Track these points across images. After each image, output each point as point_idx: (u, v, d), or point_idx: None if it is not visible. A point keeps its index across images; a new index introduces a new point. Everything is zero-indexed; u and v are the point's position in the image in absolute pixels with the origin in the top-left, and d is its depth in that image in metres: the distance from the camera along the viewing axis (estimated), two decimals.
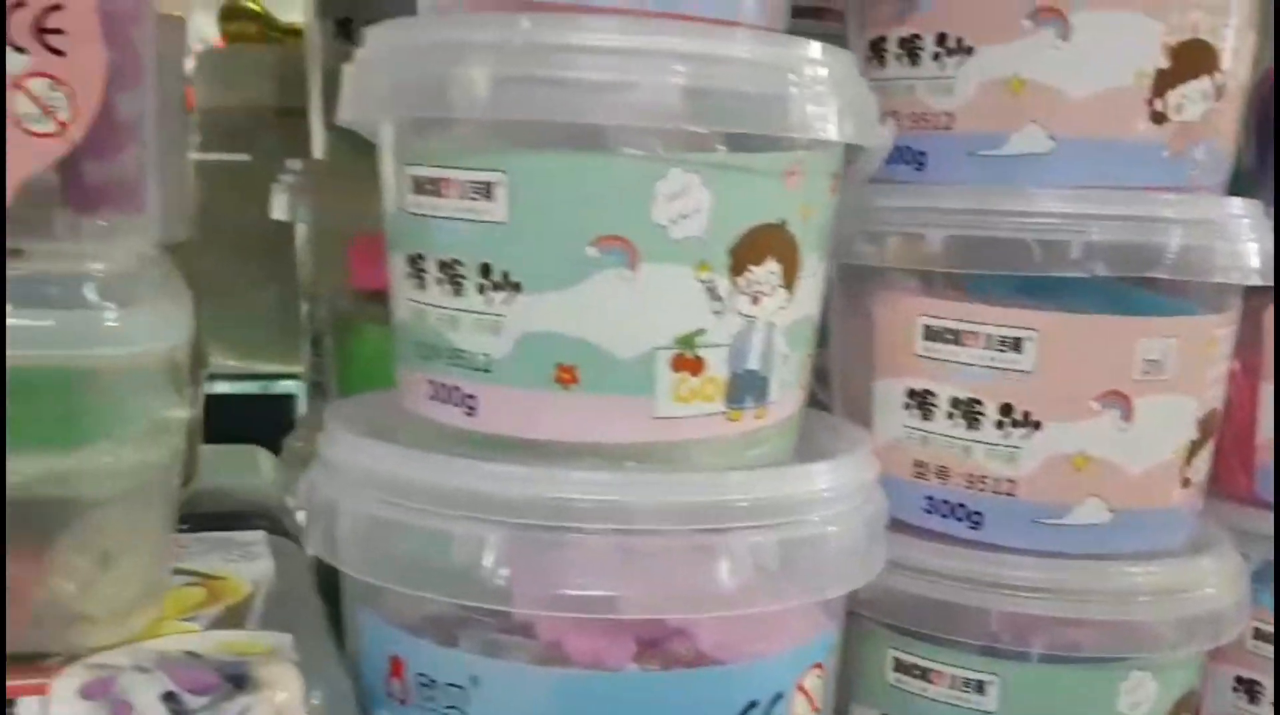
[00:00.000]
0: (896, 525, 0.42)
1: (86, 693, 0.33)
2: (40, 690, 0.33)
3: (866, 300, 0.44)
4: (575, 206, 0.34)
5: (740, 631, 0.37)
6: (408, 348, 0.38)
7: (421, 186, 0.36)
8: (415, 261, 0.37)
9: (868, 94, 0.38)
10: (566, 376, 0.35)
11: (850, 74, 0.37)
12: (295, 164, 0.59)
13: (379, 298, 0.59)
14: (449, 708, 0.36)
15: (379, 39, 0.38)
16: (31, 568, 0.34)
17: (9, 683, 0.33)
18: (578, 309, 0.34)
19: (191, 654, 0.35)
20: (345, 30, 0.56)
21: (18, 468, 0.32)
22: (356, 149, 0.58)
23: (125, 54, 0.33)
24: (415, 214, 0.36)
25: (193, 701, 0.34)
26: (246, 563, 0.44)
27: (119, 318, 0.34)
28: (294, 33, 0.77)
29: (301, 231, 0.58)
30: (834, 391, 0.47)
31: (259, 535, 0.48)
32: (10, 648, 0.34)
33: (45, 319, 0.32)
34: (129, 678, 0.34)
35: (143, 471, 0.35)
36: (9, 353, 0.32)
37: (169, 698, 0.34)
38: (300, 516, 0.41)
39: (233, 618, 0.39)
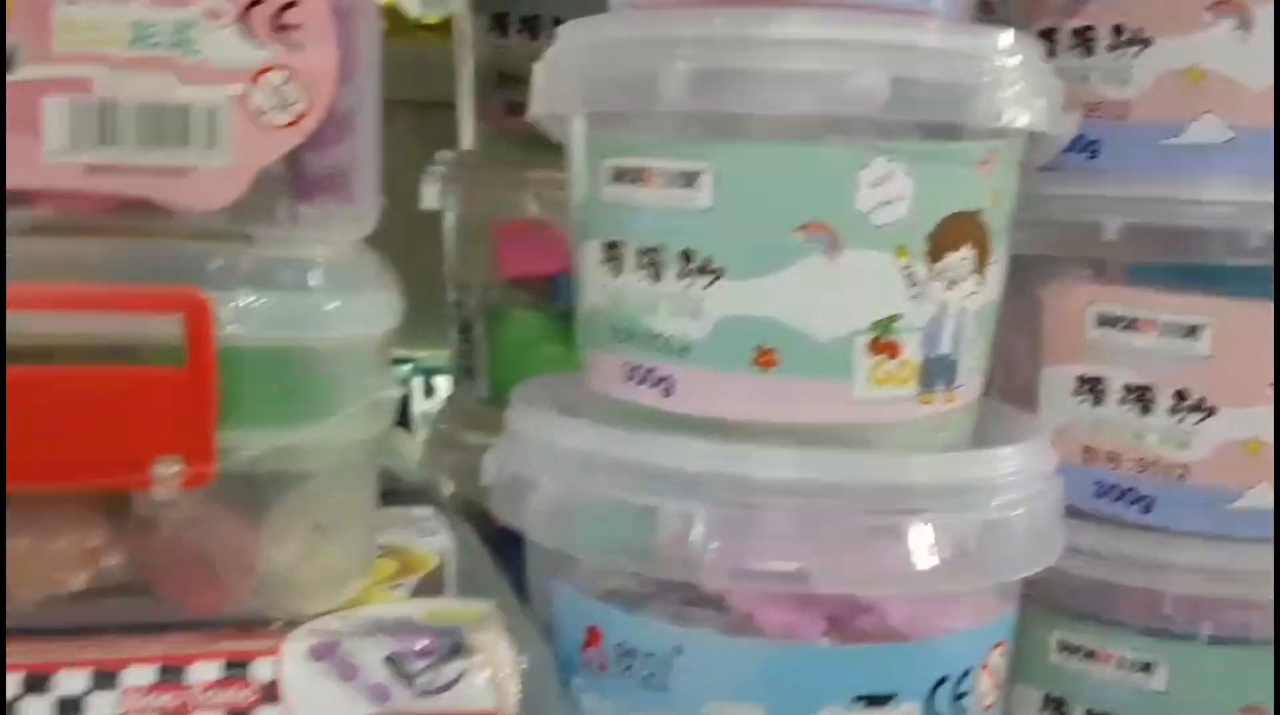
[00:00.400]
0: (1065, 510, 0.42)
1: (314, 655, 0.35)
2: (272, 652, 0.34)
3: (1034, 287, 0.45)
4: (780, 195, 0.35)
5: (929, 609, 0.38)
6: (600, 331, 0.39)
7: (621, 176, 0.37)
8: (611, 248, 0.38)
9: (1055, 82, 0.38)
10: (766, 359, 0.36)
11: (1039, 62, 0.38)
12: (445, 155, 0.60)
13: (526, 285, 0.62)
14: (649, 676, 0.37)
15: (573, 35, 0.39)
16: (253, 538, 0.36)
17: (243, 646, 0.35)
18: (780, 294, 0.35)
19: (405, 620, 0.37)
20: (500, 24, 0.57)
21: (248, 443, 0.34)
22: (506, 141, 0.60)
23: (349, 47, 0.35)
24: (612, 203, 0.38)
25: (414, 664, 0.36)
26: (426, 537, 0.46)
27: (340, 302, 0.36)
28: (423, 27, 0.79)
29: (450, 221, 0.60)
30: (994, 377, 0.48)
31: (429, 511, 0.49)
32: (232, 613, 0.36)
33: (274, 302, 0.35)
34: (352, 641, 0.35)
35: (357, 448, 0.37)
36: (239, 333, 0.34)
37: (391, 660, 0.35)
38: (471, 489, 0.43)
39: (430, 587, 0.41)
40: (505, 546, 0.44)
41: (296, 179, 0.35)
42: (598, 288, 0.39)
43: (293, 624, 0.36)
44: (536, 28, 0.56)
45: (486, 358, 0.59)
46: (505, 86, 0.57)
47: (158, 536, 0.35)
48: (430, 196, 0.60)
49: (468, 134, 0.61)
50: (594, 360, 0.40)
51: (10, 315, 0.31)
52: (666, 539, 0.36)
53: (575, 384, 0.43)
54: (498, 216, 0.58)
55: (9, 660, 0.32)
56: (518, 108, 0.61)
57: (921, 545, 0.36)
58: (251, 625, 0.36)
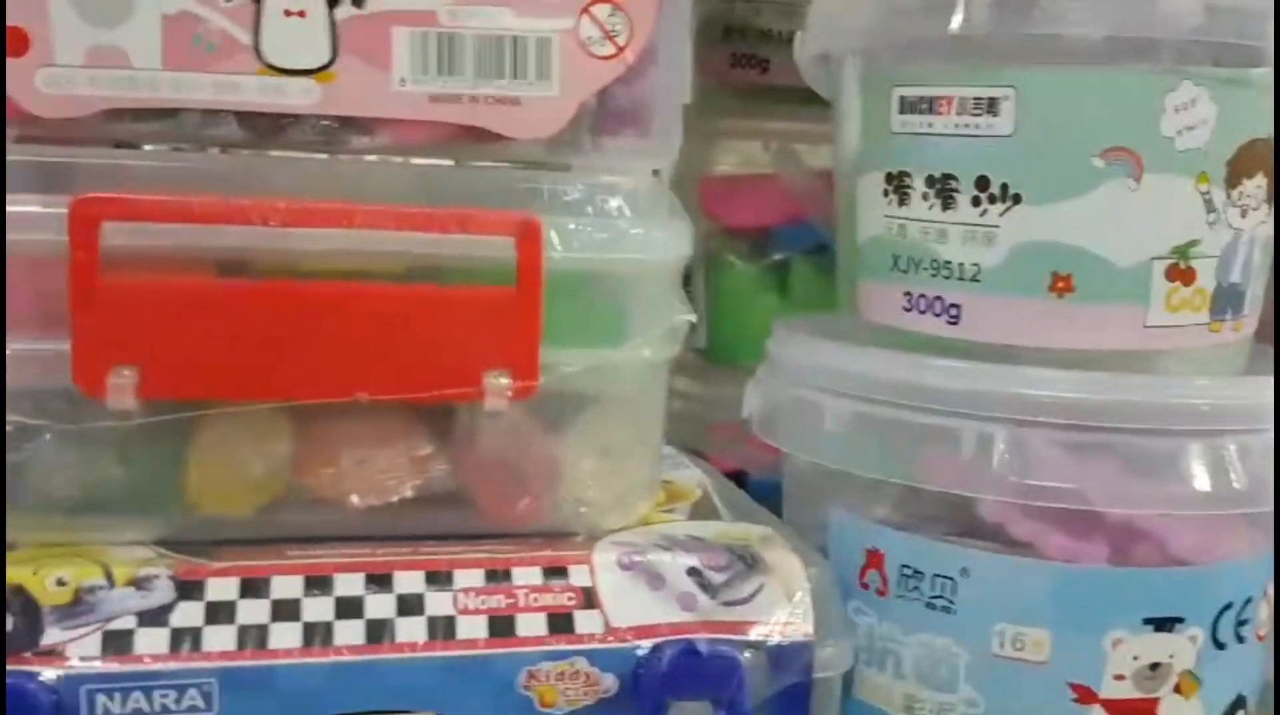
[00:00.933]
0: None
1: (622, 565, 0.37)
2: (585, 561, 0.36)
3: None
4: (1085, 120, 0.35)
5: (1207, 536, 0.38)
6: (880, 262, 0.40)
7: (911, 106, 0.38)
8: (897, 179, 0.39)
9: None
10: (1062, 285, 0.37)
11: None
12: None
13: (744, 236, 0.63)
14: (935, 597, 0.38)
15: None
16: (560, 453, 0.38)
17: (558, 554, 0.36)
18: (1079, 219, 0.36)
19: (697, 538, 0.39)
20: None
21: (564, 361, 0.36)
22: (727, 94, 0.62)
23: None
24: (901, 133, 0.39)
25: (714, 577, 0.37)
26: (680, 470, 0.48)
27: (643, 229, 0.37)
28: None
29: (668, 171, 0.61)
30: None
31: (669, 448, 0.51)
32: (537, 525, 0.38)
33: (588, 228, 0.36)
34: (655, 554, 0.37)
35: (653, 371, 0.39)
36: (560, 257, 0.35)
37: (694, 572, 0.37)
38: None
39: (703, 513, 0.42)
40: None
41: (603, 112, 0.37)
42: (878, 219, 0.40)
43: (591, 538, 0.38)
44: None
45: (704, 308, 0.60)
46: (730, 40, 0.58)
47: (477, 449, 0.37)
48: None
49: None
50: (870, 291, 0.41)
51: (359, 233, 0.34)
52: (957, 459, 0.37)
53: (829, 323, 0.45)
54: (719, 168, 0.59)
55: (352, 560, 0.35)
56: (742, 60, 0.63)
57: (1206, 468, 0.36)
58: (554, 537, 0.38)
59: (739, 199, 0.61)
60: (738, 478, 0.51)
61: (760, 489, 0.47)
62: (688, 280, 0.61)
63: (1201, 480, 0.36)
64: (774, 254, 0.59)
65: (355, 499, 0.36)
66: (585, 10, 0.35)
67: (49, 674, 0.30)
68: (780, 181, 0.58)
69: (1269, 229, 0.38)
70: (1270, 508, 0.38)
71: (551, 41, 0.34)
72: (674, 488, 0.45)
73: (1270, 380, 0.38)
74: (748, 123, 0.58)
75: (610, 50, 0.35)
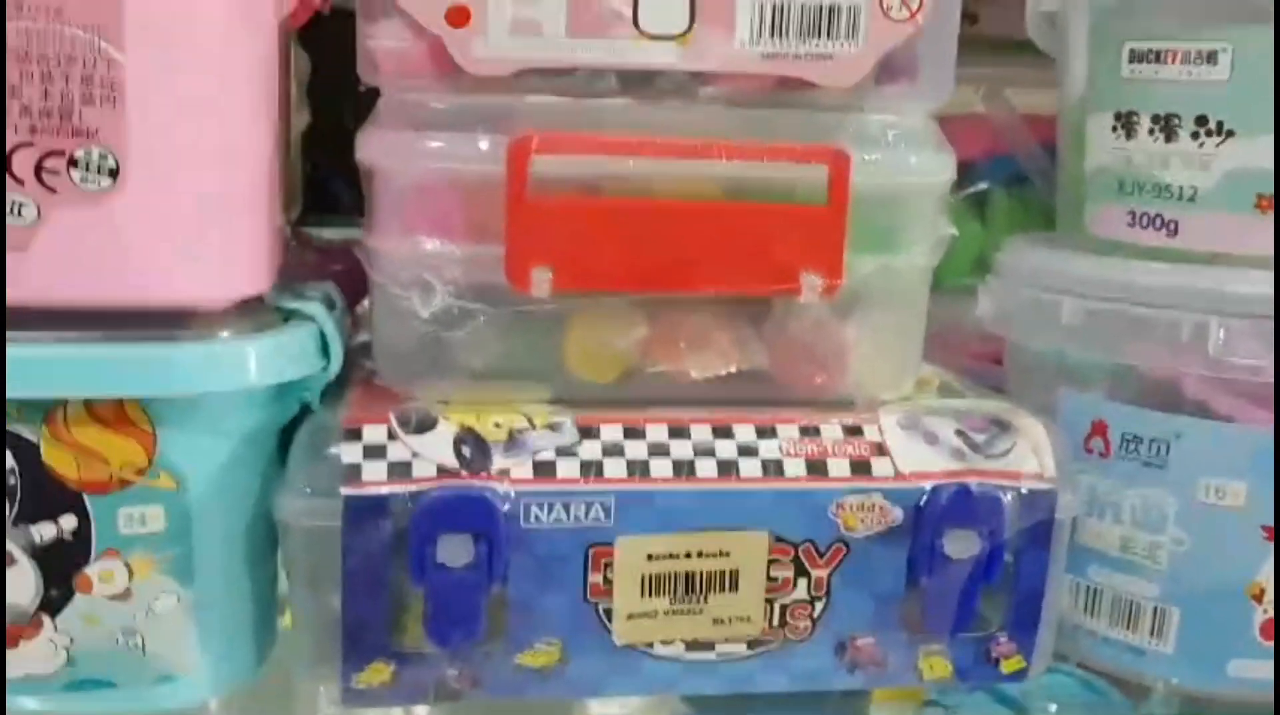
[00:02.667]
0: None
1: (903, 425, 0.46)
2: (874, 421, 0.46)
3: None
4: None
5: None
6: (1107, 186, 0.49)
7: (1140, 57, 0.46)
8: (1125, 117, 0.47)
9: None
10: (1265, 203, 0.45)
11: None
12: None
13: None
14: (1150, 458, 0.47)
15: None
16: (849, 338, 0.47)
17: (852, 417, 0.46)
18: None
19: (955, 407, 0.48)
20: None
21: (860, 265, 0.45)
22: None
23: None
24: (1130, 79, 0.47)
25: (976, 436, 0.46)
26: None
27: (918, 158, 0.46)
28: None
29: None
30: None
31: None
32: (827, 395, 0.47)
33: (880, 157, 0.45)
34: (928, 417, 0.46)
35: (923, 273, 0.48)
36: (858, 181, 0.44)
37: (961, 432, 0.46)
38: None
39: (950, 392, 0.51)
40: None
41: (888, 63, 0.46)
42: (1106, 151, 0.48)
43: (870, 406, 0.47)
44: None
45: None
46: None
47: (787, 335, 0.46)
48: None
49: None
50: (1096, 211, 0.50)
51: (707, 164, 0.43)
52: (1176, 344, 0.45)
53: (1053, 239, 0.53)
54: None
55: (699, 417, 0.44)
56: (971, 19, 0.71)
57: None
58: (841, 405, 0.48)
59: (946, 136, 0.69)
60: None
61: None
62: None
63: None
64: (976, 184, 0.67)
65: (693, 372, 0.46)
66: None
67: (500, 488, 0.41)
68: (983, 120, 0.66)
69: None
70: None
71: (860, 8, 0.43)
72: (919, 377, 0.54)
73: None
74: (960, 69, 0.66)
75: (905, 15, 0.44)
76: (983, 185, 0.67)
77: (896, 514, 0.44)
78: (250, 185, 0.41)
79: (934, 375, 0.54)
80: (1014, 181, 0.66)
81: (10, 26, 0.35)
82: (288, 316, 0.44)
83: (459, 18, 0.42)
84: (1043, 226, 0.61)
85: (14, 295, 0.37)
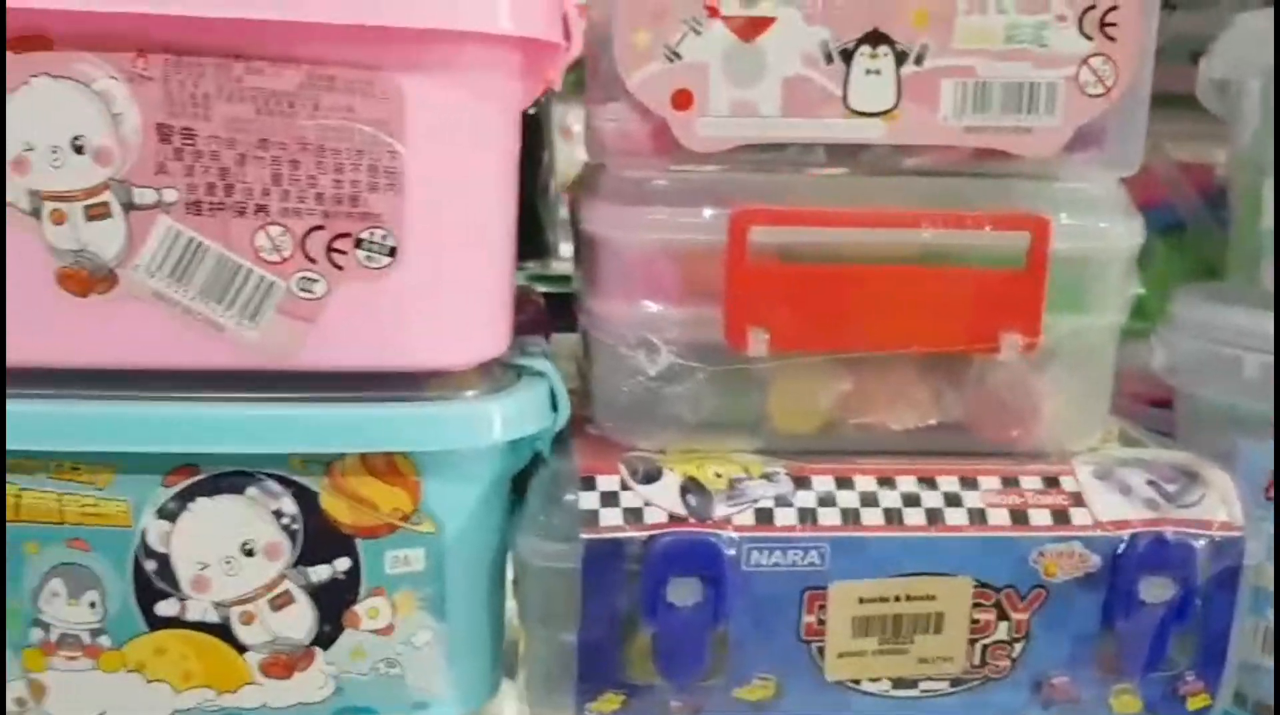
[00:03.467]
0: None
1: (1098, 475, 0.48)
2: (1070, 472, 0.48)
3: None
4: None
5: None
6: None
7: None
8: None
9: None
10: None
11: None
12: None
13: None
14: None
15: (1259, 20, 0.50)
16: (1042, 392, 0.49)
17: (1048, 467, 0.48)
18: None
19: (1142, 458, 0.50)
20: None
21: (1057, 324, 0.47)
22: None
23: (1143, 37, 0.47)
24: None
25: (1168, 486, 0.48)
26: None
27: (1110, 224, 0.48)
28: None
29: None
30: None
31: None
32: (1022, 447, 0.49)
33: (1074, 223, 0.47)
34: (1121, 468, 0.49)
35: (1113, 331, 0.50)
36: (1055, 246, 0.46)
37: (1152, 482, 0.48)
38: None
39: (1132, 441, 0.53)
40: None
41: (1082, 133, 0.48)
42: None
43: (1063, 457, 0.50)
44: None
45: None
46: None
47: (984, 389, 0.49)
48: None
49: None
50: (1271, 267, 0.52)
51: (901, 233, 0.46)
52: None
53: (1225, 291, 0.55)
54: None
55: (903, 467, 0.47)
56: None
57: None
58: (1033, 456, 0.50)
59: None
60: None
61: None
62: None
63: None
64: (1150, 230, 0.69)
65: (893, 425, 0.49)
66: (1084, 62, 0.46)
67: (725, 534, 0.44)
68: (1142, 171, 0.68)
69: None
70: None
71: (1058, 85, 0.46)
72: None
73: None
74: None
75: (1100, 91, 0.46)
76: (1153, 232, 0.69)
77: (1095, 561, 0.46)
78: (501, 254, 0.45)
79: (1113, 422, 0.56)
80: (1172, 230, 0.68)
81: (310, 123, 0.39)
82: (519, 372, 0.48)
83: (683, 101, 0.46)
84: (1200, 274, 0.63)
85: (304, 361, 0.41)
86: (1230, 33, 0.52)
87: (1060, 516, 0.47)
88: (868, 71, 0.46)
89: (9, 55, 0.37)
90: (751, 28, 0.46)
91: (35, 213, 0.39)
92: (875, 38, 0.46)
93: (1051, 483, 0.48)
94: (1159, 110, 0.66)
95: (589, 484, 0.45)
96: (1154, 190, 0.68)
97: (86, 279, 0.39)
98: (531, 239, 0.50)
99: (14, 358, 0.40)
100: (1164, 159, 0.67)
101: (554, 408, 0.47)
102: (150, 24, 0.38)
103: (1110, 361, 0.51)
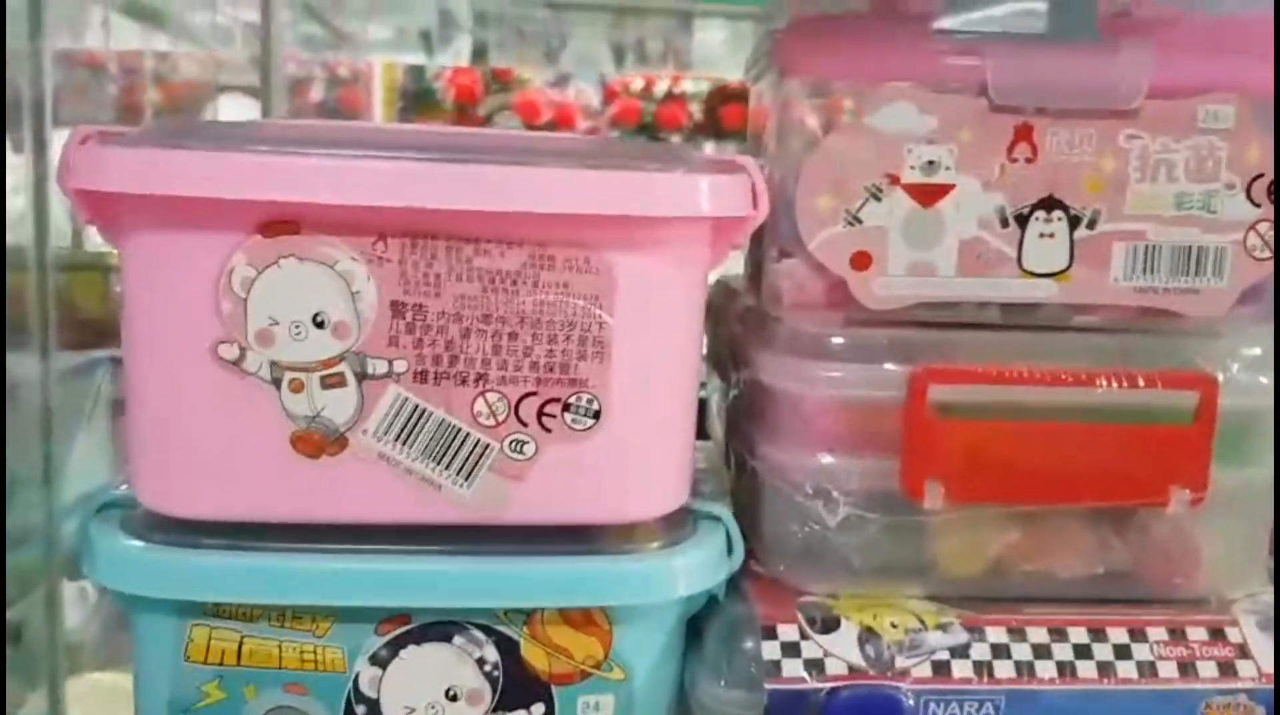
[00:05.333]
0: None
1: (1261, 626, 0.49)
2: (1235, 623, 0.49)
3: None
4: None
5: None
6: None
7: None
8: None
9: None
10: None
11: None
12: None
13: None
14: None
15: None
16: (1202, 544, 0.50)
17: (1213, 617, 0.49)
18: None
19: None
20: None
21: (1221, 478, 0.48)
22: None
23: None
24: None
25: None
26: None
27: (1269, 376, 0.49)
28: None
29: None
30: None
31: None
32: (1184, 594, 0.50)
33: (1231, 378, 0.48)
34: None
35: (1267, 484, 0.51)
36: (1224, 403, 0.47)
37: None
38: None
39: None
40: None
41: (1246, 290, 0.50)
42: None
43: (1224, 605, 0.51)
44: None
45: None
46: None
47: (1149, 539, 0.50)
48: None
49: None
50: None
51: (1073, 393, 0.47)
52: None
53: None
54: None
55: (1073, 617, 0.48)
56: None
57: None
58: (1195, 603, 0.51)
59: None
60: None
61: None
62: None
63: None
64: None
65: (1061, 572, 0.50)
66: (1252, 227, 0.47)
67: (905, 687, 0.46)
68: None
69: None
70: None
71: (1226, 250, 0.48)
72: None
73: None
74: None
75: (1267, 254, 0.48)
76: None
77: (1260, 712, 0.47)
78: (691, 406, 0.47)
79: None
80: None
81: (530, 298, 0.42)
82: (695, 515, 0.50)
83: (862, 262, 0.48)
84: None
85: (511, 516, 0.43)
86: None
87: (1226, 669, 0.47)
88: (1041, 235, 0.48)
89: (262, 239, 0.40)
90: (931, 194, 0.48)
91: (276, 382, 0.41)
92: (1049, 203, 0.48)
93: (1217, 634, 0.49)
94: None
95: (770, 633, 0.47)
96: None
97: (319, 442, 0.42)
98: None
99: (249, 513, 0.43)
100: None
101: (729, 551, 0.49)
102: (389, 212, 0.40)
103: (1269, 510, 0.52)
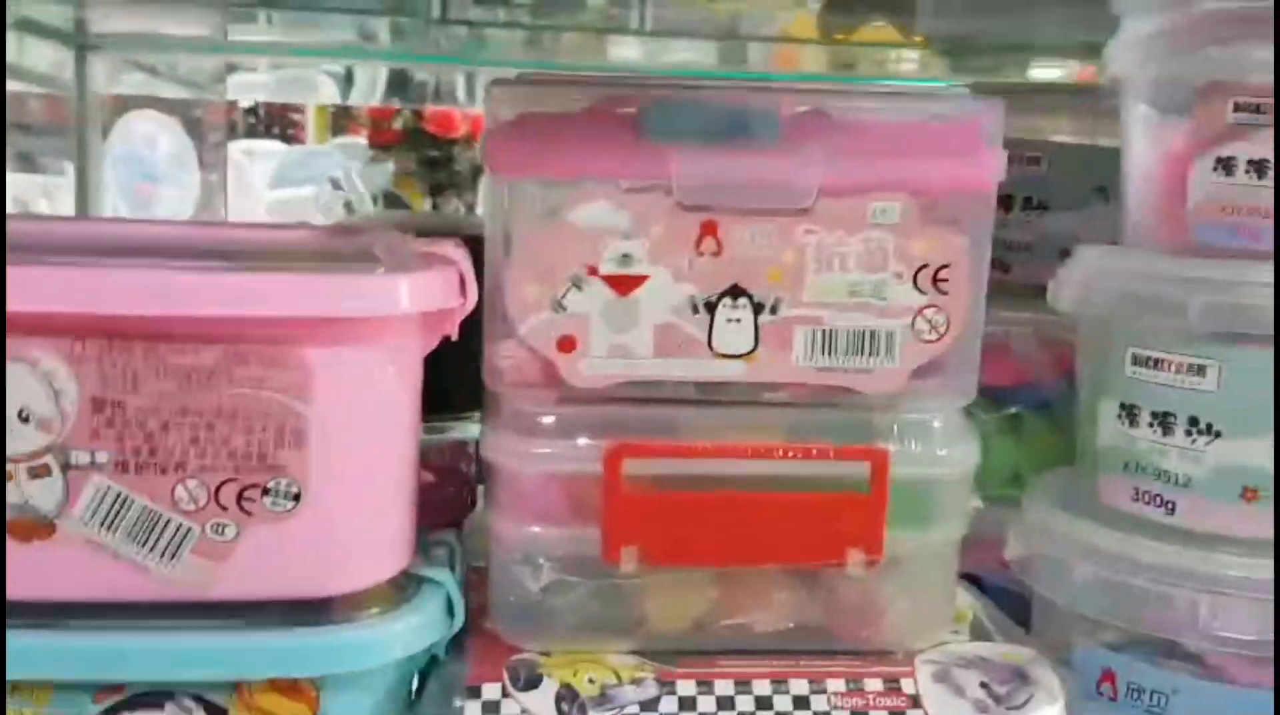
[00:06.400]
0: None
1: (935, 678, 0.54)
2: (910, 674, 0.53)
3: None
4: (1269, 386, 0.51)
5: None
6: (1115, 462, 0.56)
7: (1141, 361, 0.54)
8: (1128, 408, 0.55)
9: None
10: (1249, 495, 0.52)
11: None
12: None
13: (984, 392, 0.79)
14: (1151, 707, 0.54)
15: (1096, 258, 0.56)
16: (889, 597, 0.55)
17: (890, 669, 0.53)
18: (1264, 452, 0.51)
19: (982, 657, 0.55)
20: (1006, 204, 0.74)
21: (897, 540, 0.53)
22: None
23: (975, 293, 0.53)
24: (1132, 378, 0.55)
25: (998, 688, 0.54)
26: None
27: (948, 451, 0.54)
28: None
29: None
30: None
31: None
32: (872, 646, 0.55)
33: (911, 451, 0.53)
34: (957, 670, 0.54)
35: (953, 542, 0.56)
36: (895, 472, 0.52)
37: (985, 685, 0.54)
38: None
39: (980, 634, 0.59)
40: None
41: (920, 369, 0.54)
42: (1114, 432, 0.56)
43: (909, 656, 0.55)
44: (1010, 205, 0.74)
45: None
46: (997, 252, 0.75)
47: (836, 595, 0.54)
48: None
49: None
50: (1107, 482, 0.57)
51: (759, 464, 0.52)
52: (1174, 614, 0.52)
53: (1072, 488, 0.60)
54: None
55: (760, 669, 0.52)
56: (992, 263, 0.79)
57: None
58: (881, 654, 0.55)
59: (985, 366, 0.77)
60: (976, 580, 0.67)
61: (995, 591, 0.64)
62: None
63: None
64: (1008, 408, 0.75)
65: (758, 626, 0.54)
66: (919, 313, 0.52)
67: None
68: (1012, 353, 0.74)
69: None
70: None
71: (896, 333, 0.52)
72: (956, 610, 0.62)
73: None
74: (991, 312, 0.73)
75: (935, 337, 0.52)
76: (1014, 409, 0.75)
77: None
78: (401, 487, 0.51)
79: (969, 608, 0.61)
80: (1043, 407, 0.74)
81: (226, 393, 0.45)
82: (420, 580, 0.53)
83: (568, 346, 0.52)
84: (1074, 446, 0.69)
85: (217, 594, 0.47)
86: (1077, 267, 0.58)
87: None
88: (729, 320, 0.52)
89: None
90: (627, 284, 0.52)
91: None
92: (736, 292, 0.52)
93: (892, 684, 0.53)
94: (1028, 302, 0.72)
95: (474, 692, 0.51)
96: (1023, 370, 0.74)
97: (30, 527, 0.45)
98: (475, 391, 0.56)
99: None
100: (1032, 347, 0.73)
101: (451, 613, 0.53)
102: (87, 318, 0.44)
103: (953, 567, 0.57)
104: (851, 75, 1.17)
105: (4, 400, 0.47)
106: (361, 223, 1.00)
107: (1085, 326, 0.58)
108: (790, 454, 0.52)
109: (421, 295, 0.48)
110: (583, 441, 0.52)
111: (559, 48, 1.15)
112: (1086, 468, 0.60)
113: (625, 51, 1.17)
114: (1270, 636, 0.52)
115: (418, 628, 0.50)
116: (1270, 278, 0.51)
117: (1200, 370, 0.53)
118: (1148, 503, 0.55)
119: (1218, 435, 0.53)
